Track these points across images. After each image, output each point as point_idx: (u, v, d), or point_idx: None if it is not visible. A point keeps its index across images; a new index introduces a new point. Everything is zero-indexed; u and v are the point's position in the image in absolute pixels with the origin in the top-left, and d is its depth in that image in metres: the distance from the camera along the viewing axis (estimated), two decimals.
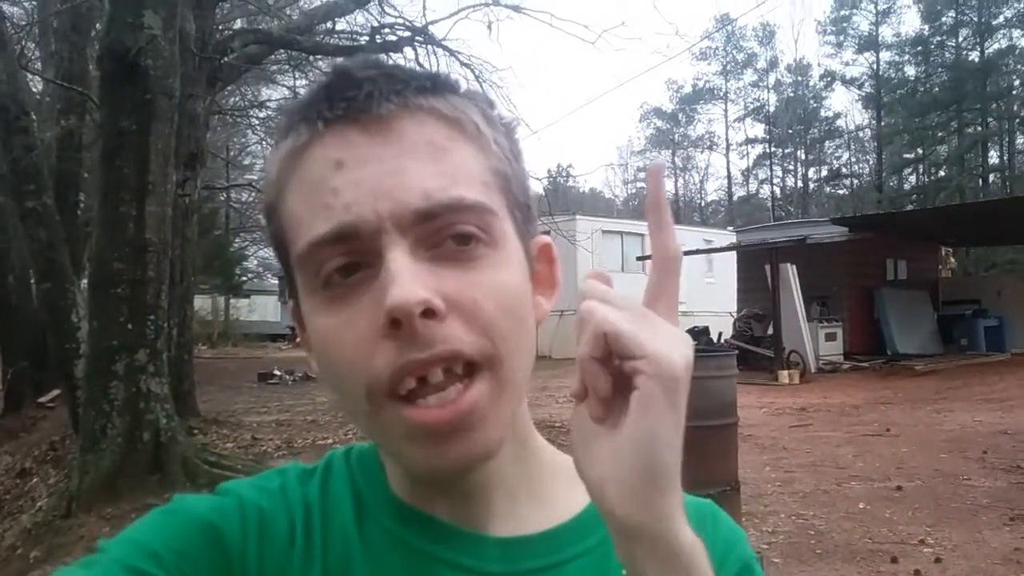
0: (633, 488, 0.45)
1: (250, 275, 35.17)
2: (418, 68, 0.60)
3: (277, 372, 16.88)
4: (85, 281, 7.91)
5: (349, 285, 0.54)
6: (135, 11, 6.25)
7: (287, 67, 16.80)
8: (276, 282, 38.06)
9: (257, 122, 21.43)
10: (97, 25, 12.10)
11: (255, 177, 26.48)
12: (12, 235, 11.20)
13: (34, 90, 13.19)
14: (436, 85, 0.58)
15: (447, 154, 0.56)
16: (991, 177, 46.79)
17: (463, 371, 0.53)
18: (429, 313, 0.51)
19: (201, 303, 23.14)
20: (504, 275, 0.56)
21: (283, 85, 18.77)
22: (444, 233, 0.54)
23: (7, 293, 11.80)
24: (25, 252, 9.95)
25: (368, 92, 0.54)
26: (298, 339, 0.65)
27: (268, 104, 20.29)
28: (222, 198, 26.10)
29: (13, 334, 11.61)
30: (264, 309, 36.07)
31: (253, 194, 27.32)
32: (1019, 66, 45.44)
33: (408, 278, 0.51)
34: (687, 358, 0.46)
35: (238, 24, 14.56)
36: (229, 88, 14.89)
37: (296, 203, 0.56)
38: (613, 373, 0.47)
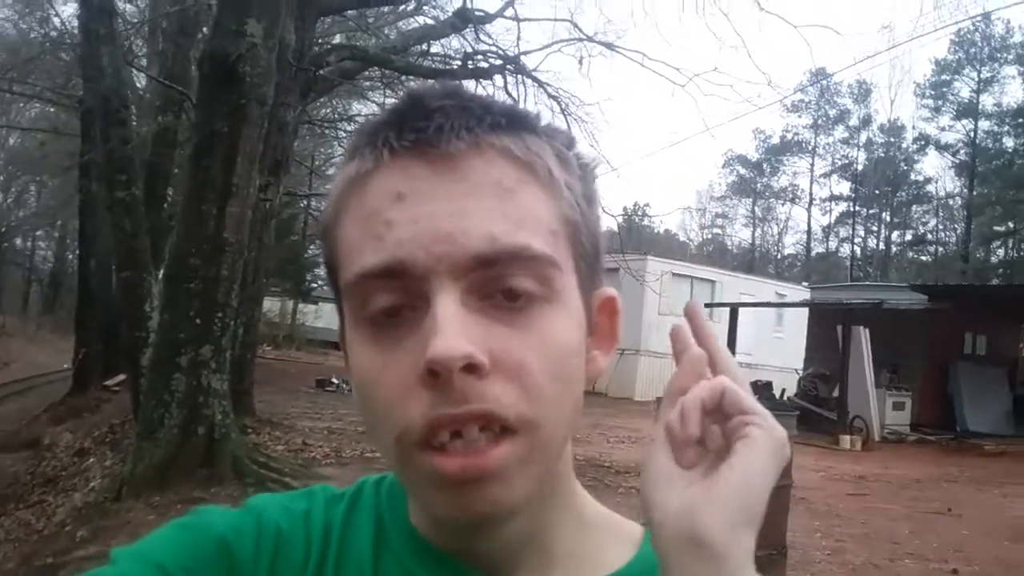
0: (729, 513, 0.48)
1: (320, 282, 35.75)
2: (497, 100, 0.57)
3: (335, 380, 17.07)
4: (162, 273, 8.15)
5: (394, 324, 0.52)
6: (239, 19, 6.49)
7: (379, 84, 17.17)
8: None
9: (344, 135, 21.89)
10: (203, 29, 12.57)
11: None
12: (100, 223, 11.60)
13: (136, 85, 13.72)
14: (512, 122, 0.55)
15: (515, 197, 0.53)
16: None
17: (499, 431, 0.51)
18: (471, 368, 0.49)
19: (270, 305, 23.59)
20: (559, 335, 0.53)
21: (373, 101, 19.18)
22: (498, 284, 0.51)
23: (88, 277, 12.24)
24: (110, 240, 10.30)
25: (439, 125, 0.52)
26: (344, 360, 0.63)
27: (357, 118, 20.73)
28: (302, 205, 26.68)
29: (89, 318, 12.00)
30: (330, 316, 36.50)
31: None
32: None
33: (454, 329, 0.49)
34: (785, 436, 0.52)
35: (336, 39, 14.97)
36: (320, 100, 15.28)
37: (351, 229, 0.55)
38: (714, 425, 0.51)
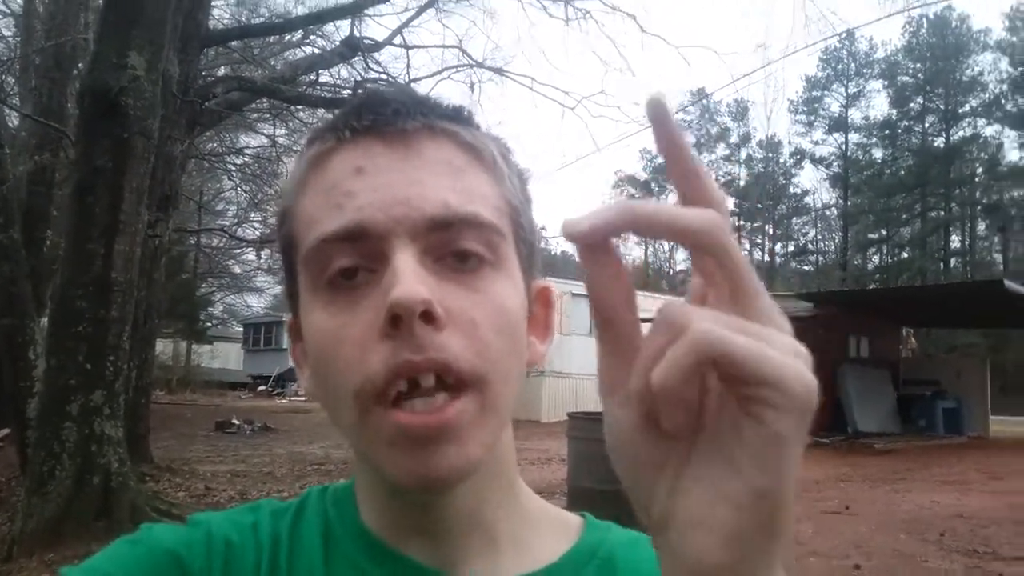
0: (747, 540, 0.36)
1: (215, 321, 34.80)
2: (444, 101, 0.61)
3: (235, 421, 16.58)
4: (45, 320, 7.77)
5: (351, 287, 0.54)
6: (120, 51, 6.27)
7: (268, 115, 16.86)
8: (241, 329, 37.68)
9: (234, 168, 21.40)
10: (79, 64, 12.11)
11: (227, 222, 26.38)
12: None
13: (11, 124, 13.10)
14: (459, 116, 0.60)
15: (464, 175, 0.57)
16: (952, 261, 47.91)
17: (453, 384, 0.52)
18: (428, 317, 0.51)
19: (162, 347, 22.77)
20: (505, 299, 0.56)
21: (262, 133, 18.80)
22: (450, 247, 0.55)
23: None
24: None
25: (395, 109, 0.56)
26: (293, 353, 0.65)
27: (246, 151, 20.31)
28: (192, 242, 25.93)
29: None
30: (227, 357, 35.58)
31: (224, 239, 27.21)
32: (982, 154, 46.96)
33: (413, 278, 0.51)
34: (812, 374, 0.35)
35: (221, 70, 14.66)
36: (208, 133, 14.92)
37: (311, 204, 0.57)
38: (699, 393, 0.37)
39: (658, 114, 0.38)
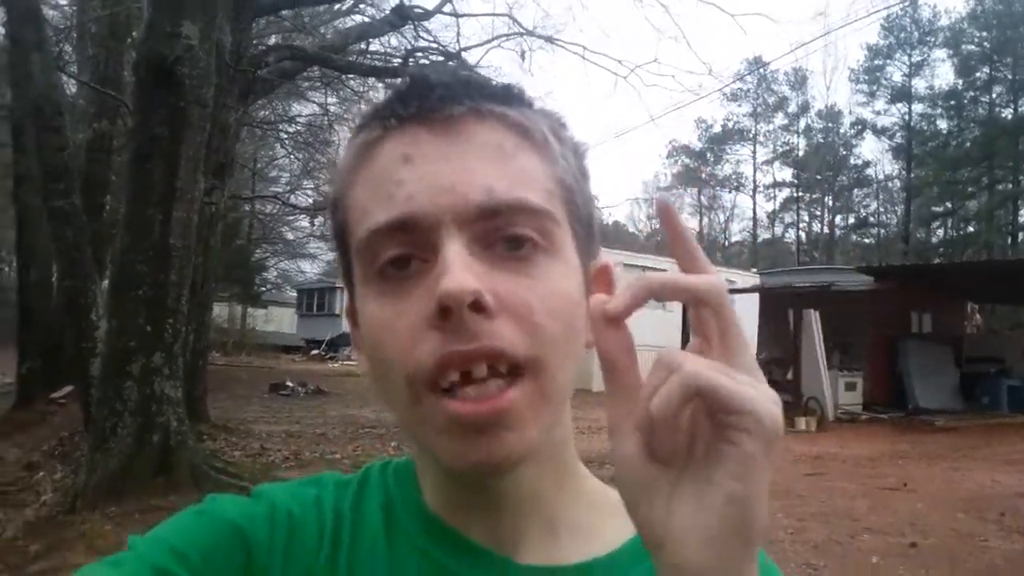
0: (725, 543, 0.43)
1: (269, 286, 35.39)
2: (493, 81, 0.61)
3: (290, 384, 16.90)
4: (106, 283, 7.95)
5: (403, 277, 0.54)
6: (174, 20, 6.34)
7: (319, 84, 16.99)
8: (294, 294, 38.34)
9: (286, 136, 21.61)
10: (134, 32, 12.28)
11: (280, 189, 26.71)
12: (38, 234, 11.33)
13: (69, 92, 13.37)
14: (509, 96, 0.59)
15: (513, 159, 0.56)
16: (1020, 235, 46.43)
17: (507, 371, 0.52)
18: (478, 306, 0.51)
19: (219, 310, 23.24)
20: (559, 283, 0.56)
21: (314, 101, 18.97)
22: (500, 233, 0.54)
23: (27, 288, 11.93)
24: (50, 250, 10.05)
25: (441, 95, 0.56)
26: (350, 339, 0.68)
27: (298, 119, 20.49)
28: (247, 208, 26.31)
29: (30, 330, 11.72)
30: (280, 321, 36.26)
31: (277, 206, 27.56)
32: None
33: (462, 269, 0.51)
34: (780, 412, 0.43)
35: (273, 40, 14.76)
36: (260, 101, 15.08)
37: (361, 194, 0.58)
38: (687, 424, 0.45)
39: (666, 214, 0.47)
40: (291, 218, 30.21)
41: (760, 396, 0.42)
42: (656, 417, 0.43)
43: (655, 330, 18.01)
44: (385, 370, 0.55)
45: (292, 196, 25.91)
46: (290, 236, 32.58)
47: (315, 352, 31.59)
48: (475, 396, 0.51)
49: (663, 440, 0.44)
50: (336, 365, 27.46)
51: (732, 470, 0.42)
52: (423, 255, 0.54)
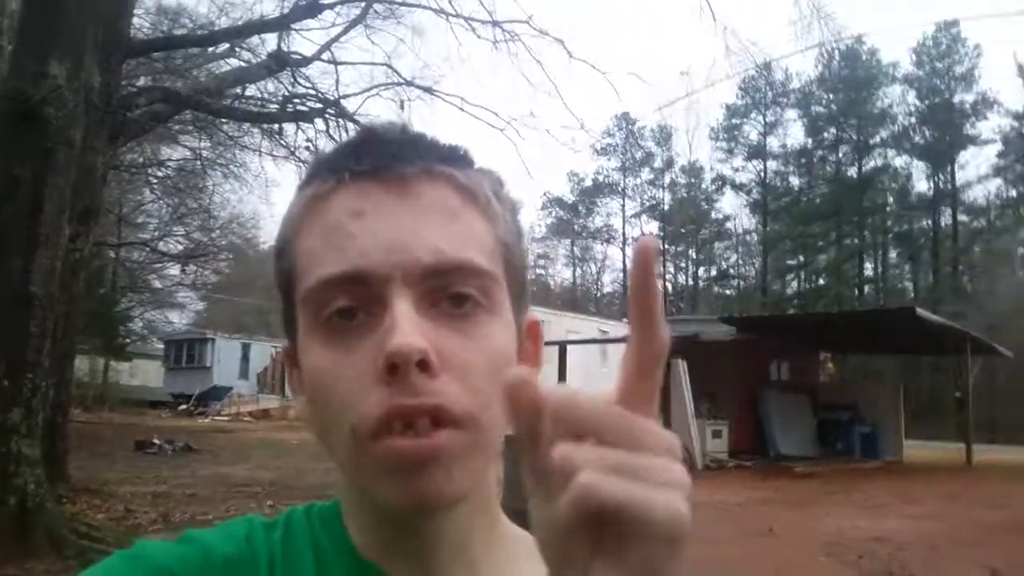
0: None
1: (135, 337, 33.73)
2: (440, 141, 0.63)
3: (156, 441, 16.09)
4: None
5: (349, 328, 0.56)
6: (40, 58, 6.09)
7: (192, 128, 16.53)
8: (162, 346, 36.62)
9: (155, 180, 20.87)
10: None
11: (148, 236, 25.69)
12: None
13: None
14: (455, 156, 0.62)
15: (459, 219, 0.59)
16: (866, 288, 49.57)
17: (447, 423, 0.54)
18: (424, 365, 0.53)
19: (79, 363, 21.97)
20: (497, 341, 0.58)
21: (185, 145, 18.42)
22: (445, 291, 0.57)
23: None
24: None
25: (393, 153, 0.58)
26: (287, 377, 0.67)
27: (168, 163, 19.83)
28: (112, 255, 25.17)
29: None
30: (146, 374, 34.51)
31: (145, 253, 26.47)
32: (893, 184, 48.82)
33: (410, 327, 0.53)
34: (685, 507, 0.39)
35: (143, 81, 14.32)
36: (129, 144, 14.55)
37: (311, 244, 0.59)
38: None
39: (646, 258, 0.43)
40: (159, 265, 29.06)
41: (662, 500, 0.38)
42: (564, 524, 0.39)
43: None
44: (328, 418, 0.57)
45: (161, 243, 24.97)
46: (158, 284, 31.33)
47: (183, 407, 30.18)
48: (414, 436, 0.53)
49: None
50: (206, 421, 26.34)
51: (638, 568, 0.38)
52: (369, 308, 0.56)
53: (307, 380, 0.59)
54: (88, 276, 13.91)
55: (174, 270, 29.24)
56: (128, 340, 30.86)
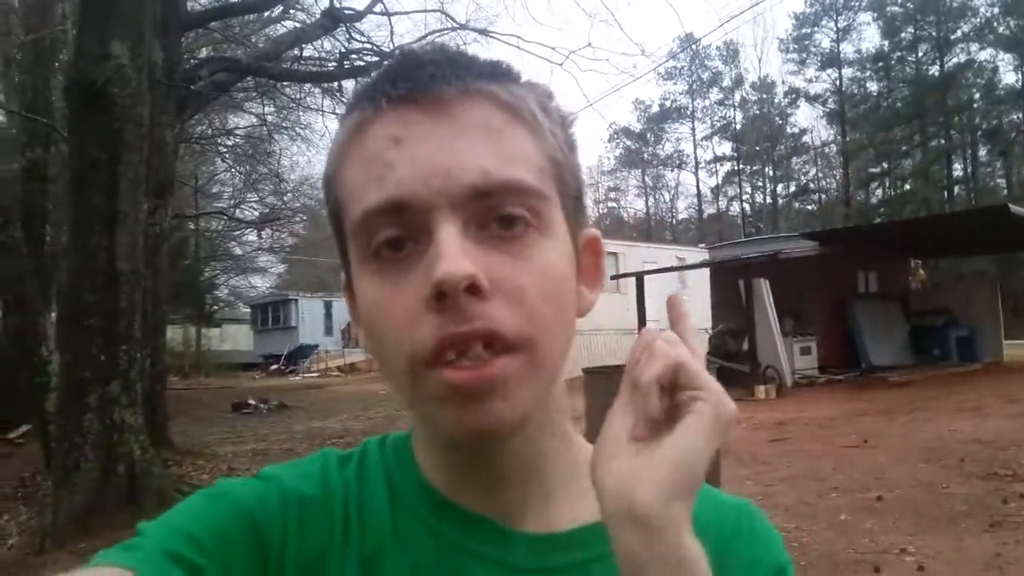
0: (665, 486, 0.48)
1: (221, 304, 34.88)
2: (480, 57, 0.61)
3: (251, 401, 16.69)
4: (55, 315, 7.78)
5: (398, 258, 0.56)
6: (102, 41, 6.22)
7: (255, 94, 16.76)
8: (248, 311, 37.79)
9: (225, 150, 21.29)
10: (61, 56, 12.00)
11: (224, 205, 26.33)
12: None
13: None
14: (497, 72, 0.60)
15: (503, 137, 0.57)
16: (956, 189, 47.60)
17: (501, 348, 0.54)
18: (474, 290, 0.52)
19: (172, 333, 22.90)
20: (551, 262, 0.57)
21: (251, 112, 18.72)
22: (493, 213, 0.55)
23: None
24: None
25: (430, 74, 0.57)
26: (348, 313, 0.68)
27: (236, 132, 20.19)
28: (191, 227, 25.92)
29: None
30: (236, 338, 35.73)
31: (223, 222, 27.16)
32: (978, 79, 46.40)
33: (457, 253, 0.53)
34: (732, 404, 0.51)
35: (204, 52, 14.53)
36: (196, 116, 14.85)
37: (353, 174, 0.58)
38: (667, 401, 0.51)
39: (675, 311, 0.58)
40: (238, 233, 29.82)
41: (719, 385, 0.51)
42: (645, 383, 0.51)
43: (609, 314, 18.16)
44: (384, 349, 0.57)
45: (237, 210, 25.57)
46: (238, 251, 32.18)
47: (274, 367, 31.19)
48: (469, 365, 0.53)
49: (644, 423, 0.51)
50: (297, 379, 27.14)
51: (685, 425, 0.49)
52: (416, 236, 0.55)
53: (362, 312, 0.59)
54: (171, 248, 14.39)
55: (252, 236, 29.98)
56: (216, 307, 31.91)
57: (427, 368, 0.54)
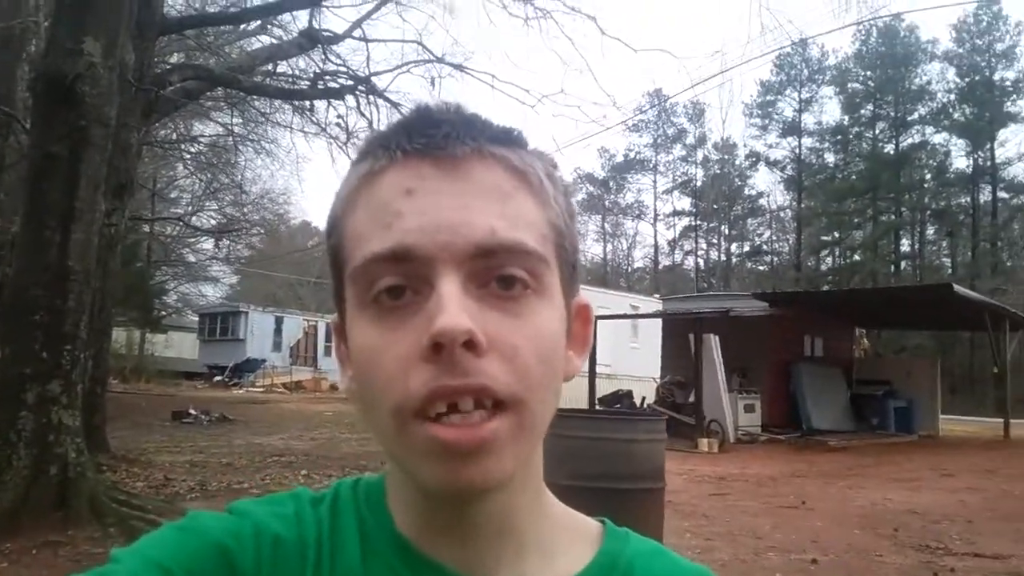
0: None
1: (169, 310, 34.21)
2: (494, 122, 0.62)
3: (192, 411, 16.36)
4: None
5: (397, 306, 0.56)
6: (75, 36, 6.13)
7: (224, 104, 16.64)
8: (196, 319, 37.11)
9: (188, 156, 21.05)
10: (31, 47, 11.79)
11: (181, 211, 25.98)
12: None
13: None
14: (509, 138, 0.61)
15: (512, 201, 0.58)
16: (903, 264, 48.91)
17: (491, 406, 0.54)
18: (470, 345, 0.53)
19: (116, 335, 22.37)
20: (545, 324, 0.58)
21: (217, 121, 18.57)
22: (494, 273, 0.56)
23: None
24: None
25: (446, 133, 0.57)
26: (335, 351, 0.67)
27: (201, 139, 19.99)
28: (146, 230, 25.49)
29: None
30: (181, 346, 35.04)
31: (179, 228, 26.75)
32: (931, 161, 48.01)
33: (457, 307, 0.53)
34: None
35: (176, 58, 14.42)
36: (162, 120, 14.68)
37: (361, 220, 0.59)
38: None
39: None
40: (192, 240, 29.40)
41: None
42: None
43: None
44: (373, 395, 0.56)
45: (194, 218, 25.23)
46: (192, 258, 31.69)
47: (218, 379, 30.64)
48: (459, 422, 0.53)
49: None
50: (241, 392, 26.68)
51: None
52: (416, 286, 0.55)
53: (353, 357, 0.59)
54: (124, 250, 14.12)
55: (207, 244, 29.55)
56: (163, 313, 31.25)
57: (415, 418, 0.54)
